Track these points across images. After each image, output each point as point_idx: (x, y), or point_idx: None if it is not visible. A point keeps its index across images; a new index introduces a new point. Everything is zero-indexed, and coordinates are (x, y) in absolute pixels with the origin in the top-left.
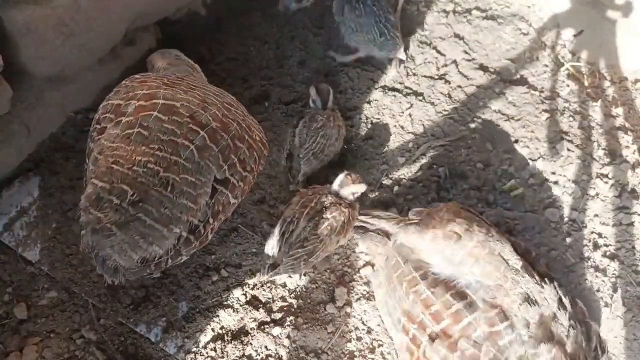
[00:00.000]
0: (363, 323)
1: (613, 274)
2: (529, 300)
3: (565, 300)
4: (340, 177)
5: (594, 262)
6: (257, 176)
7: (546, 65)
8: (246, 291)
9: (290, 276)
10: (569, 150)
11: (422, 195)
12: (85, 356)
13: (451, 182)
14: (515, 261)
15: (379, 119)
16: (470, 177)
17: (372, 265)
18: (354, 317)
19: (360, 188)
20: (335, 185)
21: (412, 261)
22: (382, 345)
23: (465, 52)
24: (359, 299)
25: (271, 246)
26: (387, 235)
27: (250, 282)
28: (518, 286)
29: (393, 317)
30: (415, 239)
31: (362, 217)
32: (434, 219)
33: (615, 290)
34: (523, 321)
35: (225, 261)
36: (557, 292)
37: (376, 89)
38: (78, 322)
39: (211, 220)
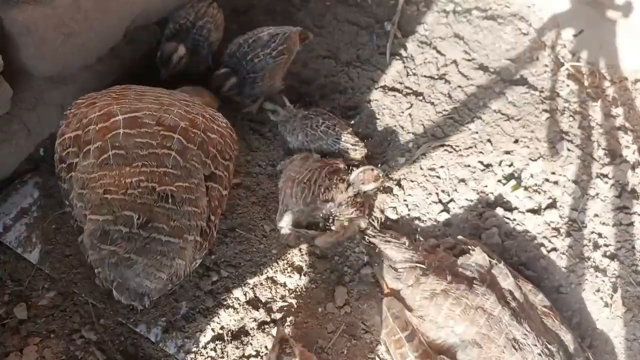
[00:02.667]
0: (363, 323)
1: (613, 274)
2: (514, 346)
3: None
4: (357, 172)
5: (594, 262)
6: (235, 162)
7: (546, 65)
8: (246, 291)
9: (290, 276)
10: (569, 150)
11: (422, 195)
12: (85, 356)
13: (451, 182)
14: (501, 310)
15: (379, 119)
16: (470, 177)
17: (372, 266)
18: (354, 316)
19: (378, 184)
20: (352, 178)
21: (400, 319)
22: (381, 345)
23: (465, 52)
24: (358, 298)
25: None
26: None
27: (251, 282)
28: (502, 334)
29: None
30: (408, 293)
31: (374, 240)
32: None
33: (615, 290)
34: None
35: (225, 261)
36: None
37: (376, 89)
38: (78, 322)
39: (212, 218)
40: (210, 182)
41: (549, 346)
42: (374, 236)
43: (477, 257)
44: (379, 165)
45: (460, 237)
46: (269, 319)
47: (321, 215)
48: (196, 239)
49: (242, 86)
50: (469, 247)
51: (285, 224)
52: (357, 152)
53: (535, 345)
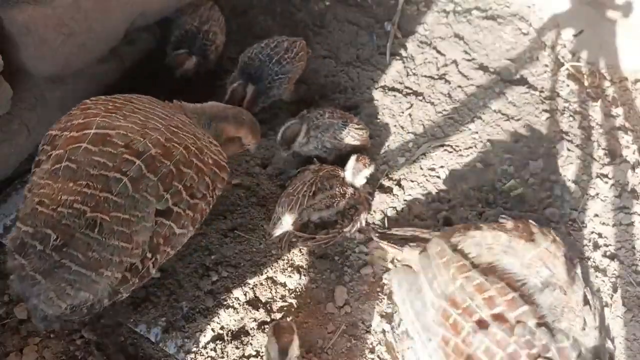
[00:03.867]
0: (363, 322)
1: (613, 274)
2: (589, 305)
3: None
4: (352, 162)
5: (594, 262)
6: (213, 201)
7: (546, 65)
8: (246, 291)
9: (290, 276)
10: (569, 150)
11: (422, 195)
12: (85, 356)
13: (451, 182)
14: (580, 273)
15: (379, 119)
16: (470, 177)
17: (371, 265)
18: (354, 316)
19: (371, 169)
20: (348, 173)
21: (459, 251)
22: (381, 344)
23: (465, 52)
24: (358, 298)
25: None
26: (424, 241)
27: (251, 282)
28: (582, 291)
29: (429, 304)
30: (461, 239)
31: (397, 231)
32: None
33: (615, 290)
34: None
35: (225, 261)
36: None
37: (376, 89)
38: (78, 322)
39: (149, 255)
40: (162, 218)
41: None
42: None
43: None
44: (380, 165)
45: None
46: (269, 319)
47: (322, 218)
48: (115, 275)
49: (262, 89)
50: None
51: (278, 231)
52: (363, 134)
53: (599, 316)
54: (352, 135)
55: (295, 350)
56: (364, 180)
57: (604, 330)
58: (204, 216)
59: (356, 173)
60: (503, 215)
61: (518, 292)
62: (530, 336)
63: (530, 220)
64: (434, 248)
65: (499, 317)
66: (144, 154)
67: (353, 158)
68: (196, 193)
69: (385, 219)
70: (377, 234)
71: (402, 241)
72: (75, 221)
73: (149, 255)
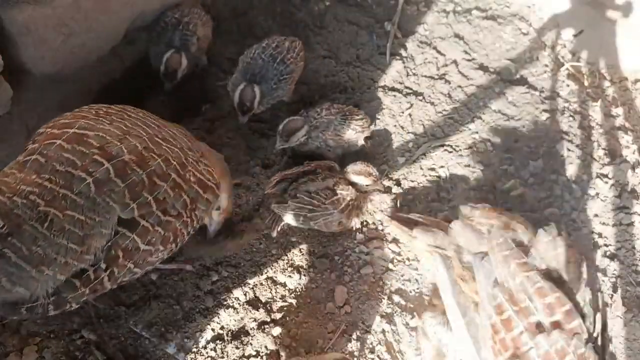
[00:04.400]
0: (363, 322)
1: (613, 274)
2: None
3: None
4: (357, 167)
5: (594, 262)
6: (192, 224)
7: (546, 65)
8: (246, 291)
9: (290, 276)
10: (569, 150)
11: (422, 195)
12: (85, 356)
13: (451, 182)
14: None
15: (379, 119)
16: (470, 177)
17: (371, 265)
18: (354, 316)
19: (372, 182)
20: (351, 174)
21: (518, 244)
22: (381, 344)
23: (465, 52)
24: (358, 298)
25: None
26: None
27: (251, 282)
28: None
29: (486, 290)
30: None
31: (413, 215)
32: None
33: (615, 290)
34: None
35: (225, 261)
36: None
37: (376, 88)
38: (78, 322)
39: (103, 266)
40: (125, 229)
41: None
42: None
43: None
44: (380, 165)
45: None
46: (269, 319)
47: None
48: (59, 277)
49: (267, 90)
50: None
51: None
52: (364, 123)
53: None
54: (354, 128)
55: None
56: (362, 185)
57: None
58: (180, 238)
59: (356, 176)
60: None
61: (573, 303)
62: (585, 350)
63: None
64: (496, 238)
65: (558, 326)
66: (115, 158)
67: (358, 162)
68: (170, 209)
69: (397, 201)
70: (388, 215)
71: (414, 225)
72: (27, 212)
73: (103, 265)
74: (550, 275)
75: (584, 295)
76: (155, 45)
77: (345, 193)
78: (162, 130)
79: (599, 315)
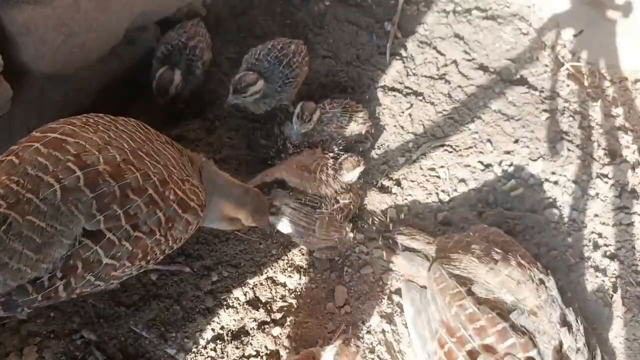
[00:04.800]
0: (363, 322)
1: (613, 274)
2: (567, 327)
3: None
4: (340, 160)
5: (594, 262)
6: (167, 243)
7: (546, 65)
8: (246, 291)
9: (290, 276)
10: (569, 150)
11: (422, 195)
12: (85, 356)
13: (451, 182)
14: (557, 292)
15: (379, 118)
16: (470, 177)
17: (371, 265)
18: (354, 316)
19: (361, 169)
20: (345, 175)
21: (456, 276)
22: (381, 344)
23: (465, 52)
24: (358, 298)
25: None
26: (426, 257)
27: (251, 282)
28: (557, 313)
29: (428, 326)
30: (455, 258)
31: (400, 237)
32: (469, 243)
33: (615, 290)
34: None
35: (225, 261)
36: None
37: (376, 89)
38: (78, 322)
39: (59, 274)
40: (88, 240)
41: (590, 342)
42: (401, 233)
43: None
44: (380, 165)
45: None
46: (269, 319)
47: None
48: (8, 282)
49: (271, 92)
50: None
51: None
52: (364, 114)
53: (583, 336)
54: (356, 120)
55: None
56: (355, 178)
57: (588, 352)
58: (152, 256)
59: (346, 172)
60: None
61: (509, 322)
62: None
63: (495, 249)
64: (434, 273)
65: (488, 349)
66: (88, 167)
67: (343, 157)
68: (141, 226)
69: (387, 216)
70: (381, 236)
71: (408, 253)
72: None
73: (59, 274)
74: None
75: (548, 313)
76: (159, 65)
77: (347, 201)
78: (147, 145)
79: (564, 330)
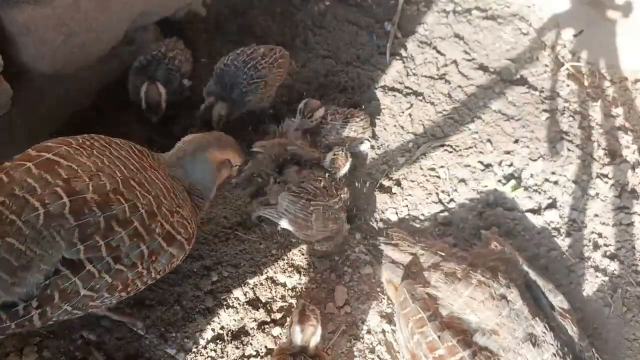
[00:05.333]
0: (363, 323)
1: (613, 274)
2: (531, 341)
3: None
4: (330, 155)
5: (594, 262)
6: (150, 275)
7: (546, 65)
8: (246, 291)
9: (290, 276)
10: (569, 150)
11: (422, 195)
12: (85, 356)
13: (451, 182)
14: (522, 305)
15: (379, 119)
16: (470, 178)
17: (371, 265)
18: (354, 316)
19: (348, 165)
20: (327, 162)
21: (421, 300)
22: (381, 344)
23: (465, 52)
24: (358, 298)
25: None
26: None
27: (251, 282)
28: (522, 327)
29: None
30: (425, 275)
31: (384, 247)
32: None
33: (615, 290)
34: None
35: (225, 261)
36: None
37: (376, 88)
38: (78, 322)
39: (35, 304)
40: (67, 270)
41: (565, 348)
42: (386, 240)
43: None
44: (380, 165)
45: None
46: (269, 319)
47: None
48: None
49: (235, 98)
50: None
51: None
52: (364, 124)
53: (552, 345)
54: (355, 130)
55: (318, 337)
56: (346, 172)
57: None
58: (132, 287)
59: (339, 169)
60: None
61: (472, 347)
62: None
63: (458, 267)
64: (399, 297)
65: None
66: (76, 194)
67: (330, 155)
68: (123, 258)
69: (377, 223)
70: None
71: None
72: None
73: (34, 303)
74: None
75: (511, 330)
76: (135, 76)
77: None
78: (140, 173)
79: (526, 345)
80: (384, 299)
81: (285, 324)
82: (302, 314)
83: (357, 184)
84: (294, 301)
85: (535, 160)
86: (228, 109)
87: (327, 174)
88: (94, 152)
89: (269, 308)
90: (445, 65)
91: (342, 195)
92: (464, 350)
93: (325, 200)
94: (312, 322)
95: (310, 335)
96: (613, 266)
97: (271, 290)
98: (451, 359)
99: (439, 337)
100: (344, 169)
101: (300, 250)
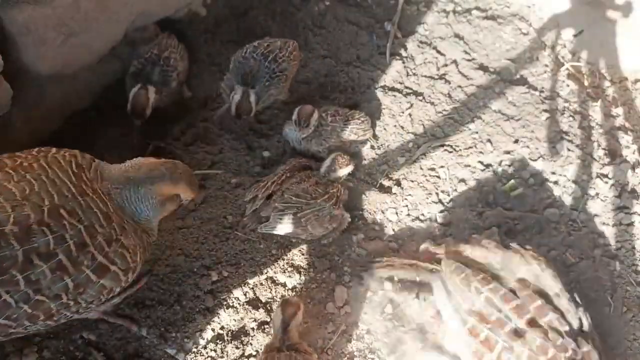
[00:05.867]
0: (363, 323)
1: (613, 274)
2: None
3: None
4: (329, 160)
5: (594, 262)
6: (79, 305)
7: (546, 65)
8: (246, 291)
9: (290, 276)
10: (569, 150)
11: (422, 195)
12: (85, 356)
13: (451, 182)
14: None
15: (379, 119)
16: (470, 177)
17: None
18: (354, 316)
19: (350, 169)
20: (323, 169)
21: (472, 266)
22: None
23: (465, 52)
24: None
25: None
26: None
27: (251, 282)
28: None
29: (455, 326)
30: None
31: (380, 272)
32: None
33: (615, 290)
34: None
35: (225, 261)
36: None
37: (376, 88)
38: (78, 322)
39: None
40: None
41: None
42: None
43: None
44: (380, 165)
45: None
46: (269, 319)
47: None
48: None
49: (261, 90)
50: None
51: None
52: (365, 126)
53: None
54: (356, 132)
55: (298, 319)
56: (344, 176)
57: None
58: (58, 316)
59: (331, 172)
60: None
61: (544, 298)
62: (563, 340)
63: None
64: (449, 266)
65: (532, 323)
66: None
67: (331, 157)
68: (44, 290)
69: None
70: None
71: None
72: None
73: None
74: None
75: (566, 295)
76: (132, 81)
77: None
78: (75, 200)
79: (581, 310)
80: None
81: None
82: (284, 303)
83: (357, 184)
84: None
85: (535, 160)
86: (256, 96)
87: (314, 172)
88: (27, 175)
89: (269, 308)
90: (445, 65)
91: (331, 191)
92: (540, 298)
93: (313, 204)
94: (294, 306)
95: (291, 314)
96: (613, 266)
97: (271, 290)
98: (532, 306)
99: (510, 289)
100: (345, 171)
101: (300, 250)
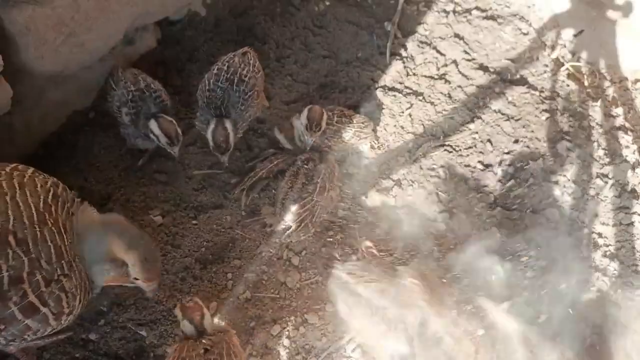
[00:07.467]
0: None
1: (613, 274)
2: None
3: None
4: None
5: (594, 262)
6: (6, 339)
7: (546, 65)
8: (246, 291)
9: (290, 276)
10: (569, 150)
11: (422, 195)
12: (86, 356)
13: (451, 182)
14: None
15: (379, 119)
16: (470, 177)
17: None
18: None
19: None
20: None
21: None
22: None
23: (465, 52)
24: None
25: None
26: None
27: (251, 281)
28: None
29: None
30: None
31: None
32: None
33: (615, 290)
34: None
35: (226, 261)
36: None
37: (376, 88)
38: (78, 322)
39: None
40: None
41: None
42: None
43: None
44: (380, 165)
45: None
46: (269, 319)
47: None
48: None
49: (238, 116)
50: None
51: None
52: (367, 129)
53: None
54: (358, 135)
55: (209, 319)
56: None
57: None
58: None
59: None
60: None
61: None
62: None
63: None
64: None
65: None
66: None
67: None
68: None
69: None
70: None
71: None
72: None
73: None
74: None
75: None
76: (134, 129)
77: (321, 172)
78: (31, 229)
79: None
80: None
81: (274, 324)
82: (183, 309)
83: (356, 184)
84: (294, 301)
85: (535, 160)
86: (233, 124)
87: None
88: (11, 185)
89: (269, 308)
90: (445, 65)
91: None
92: None
93: (294, 190)
94: (196, 309)
95: (200, 320)
96: (613, 266)
97: (271, 290)
98: None
99: None
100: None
101: (300, 250)
